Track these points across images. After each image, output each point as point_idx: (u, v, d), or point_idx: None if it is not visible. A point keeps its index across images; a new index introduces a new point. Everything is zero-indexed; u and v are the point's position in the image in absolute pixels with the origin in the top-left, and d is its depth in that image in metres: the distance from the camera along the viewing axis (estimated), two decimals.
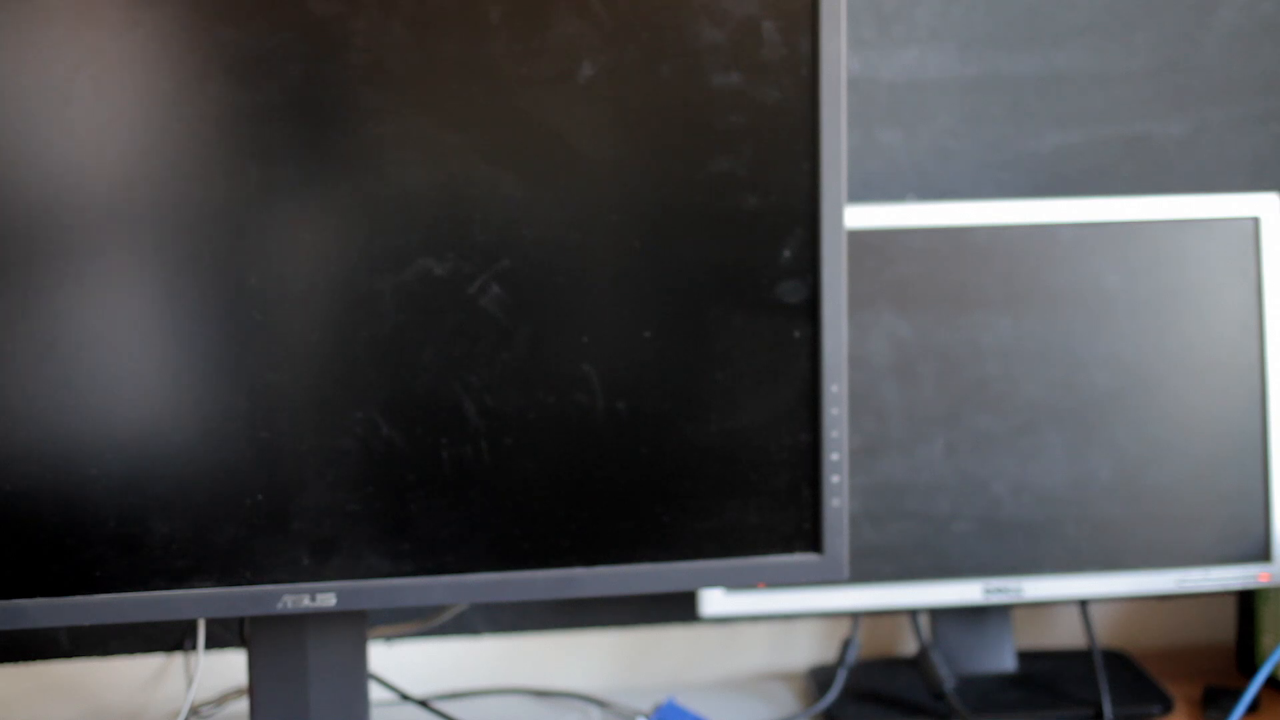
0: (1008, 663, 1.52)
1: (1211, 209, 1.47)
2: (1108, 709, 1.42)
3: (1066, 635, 1.62)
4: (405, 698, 1.47)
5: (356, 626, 1.28)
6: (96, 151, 1.15)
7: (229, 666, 1.49)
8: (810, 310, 1.25)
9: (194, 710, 1.46)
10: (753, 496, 1.26)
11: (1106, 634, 1.63)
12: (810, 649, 1.60)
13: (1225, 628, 1.63)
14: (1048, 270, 1.46)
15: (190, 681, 1.44)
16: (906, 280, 1.45)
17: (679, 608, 1.56)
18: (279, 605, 1.21)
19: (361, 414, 1.20)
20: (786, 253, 1.24)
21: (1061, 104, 1.58)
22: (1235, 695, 1.43)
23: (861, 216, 1.44)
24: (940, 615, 1.51)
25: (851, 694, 1.48)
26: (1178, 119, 1.60)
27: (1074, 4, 1.58)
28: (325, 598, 1.22)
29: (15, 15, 1.13)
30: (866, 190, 1.56)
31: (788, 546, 1.27)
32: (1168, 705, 1.45)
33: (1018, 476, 1.46)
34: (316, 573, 1.22)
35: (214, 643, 1.48)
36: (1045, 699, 1.46)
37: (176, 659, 1.50)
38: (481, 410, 1.22)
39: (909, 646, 1.61)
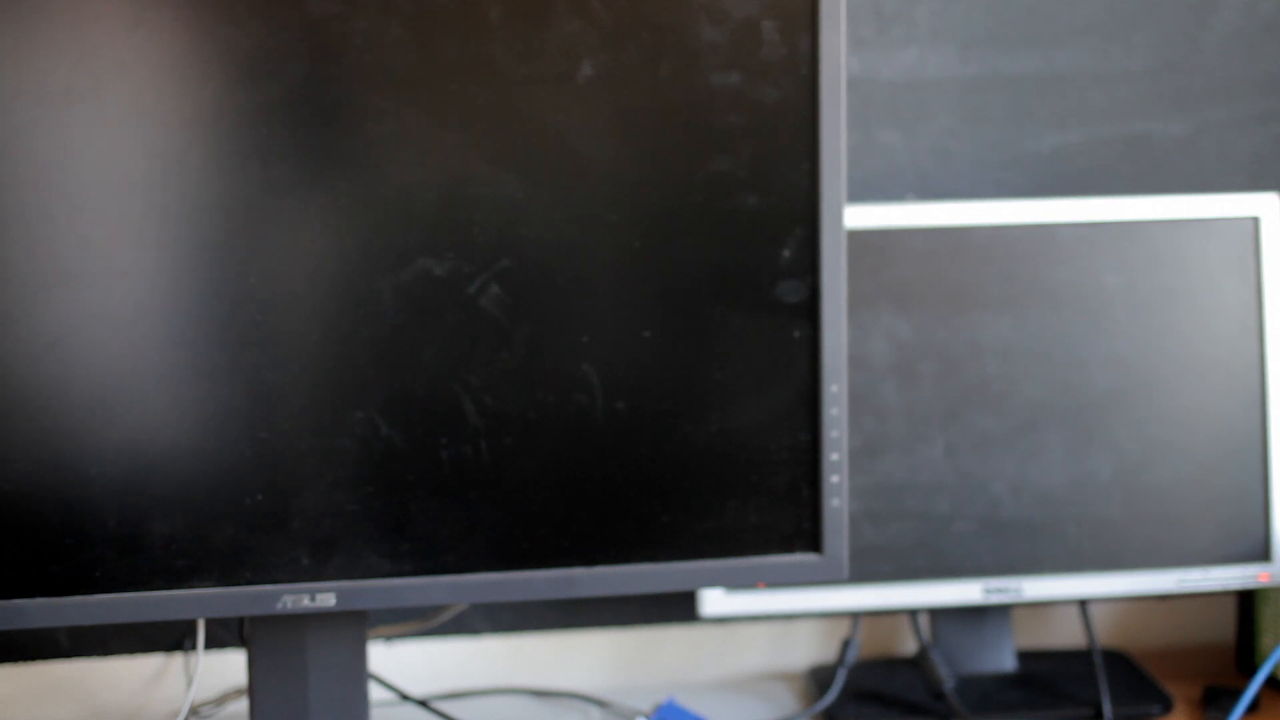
0: (1007, 663, 1.52)
1: (1211, 209, 1.47)
2: (1107, 709, 1.42)
3: (1066, 635, 1.62)
4: (405, 698, 1.47)
5: (356, 626, 1.28)
6: (96, 151, 1.15)
7: (229, 666, 1.49)
8: (810, 310, 1.25)
9: (194, 710, 1.46)
10: (752, 496, 1.26)
11: (1106, 634, 1.63)
12: (810, 649, 1.60)
13: (1225, 628, 1.63)
14: (1048, 270, 1.46)
15: (190, 681, 1.44)
16: (906, 280, 1.45)
17: (679, 608, 1.56)
18: (279, 605, 1.21)
19: (361, 414, 1.20)
20: (786, 253, 1.24)
21: (1061, 104, 1.58)
22: (1235, 695, 1.43)
23: (861, 216, 1.44)
24: (940, 615, 1.51)
25: (851, 694, 1.48)
26: (1178, 119, 1.60)
27: (1074, 4, 1.58)
28: (325, 598, 1.22)
29: (15, 15, 1.13)
30: (866, 190, 1.56)
31: (788, 546, 1.27)
32: (1167, 705, 1.45)
33: (1018, 476, 1.46)
34: (316, 573, 1.22)
35: (214, 643, 1.48)
36: (1045, 699, 1.46)
37: (176, 659, 1.50)
38: (481, 410, 1.22)
39: (909, 646, 1.61)
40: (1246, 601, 1.54)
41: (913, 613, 1.50)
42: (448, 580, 1.23)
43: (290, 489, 1.20)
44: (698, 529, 1.26)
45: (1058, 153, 1.59)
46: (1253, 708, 1.45)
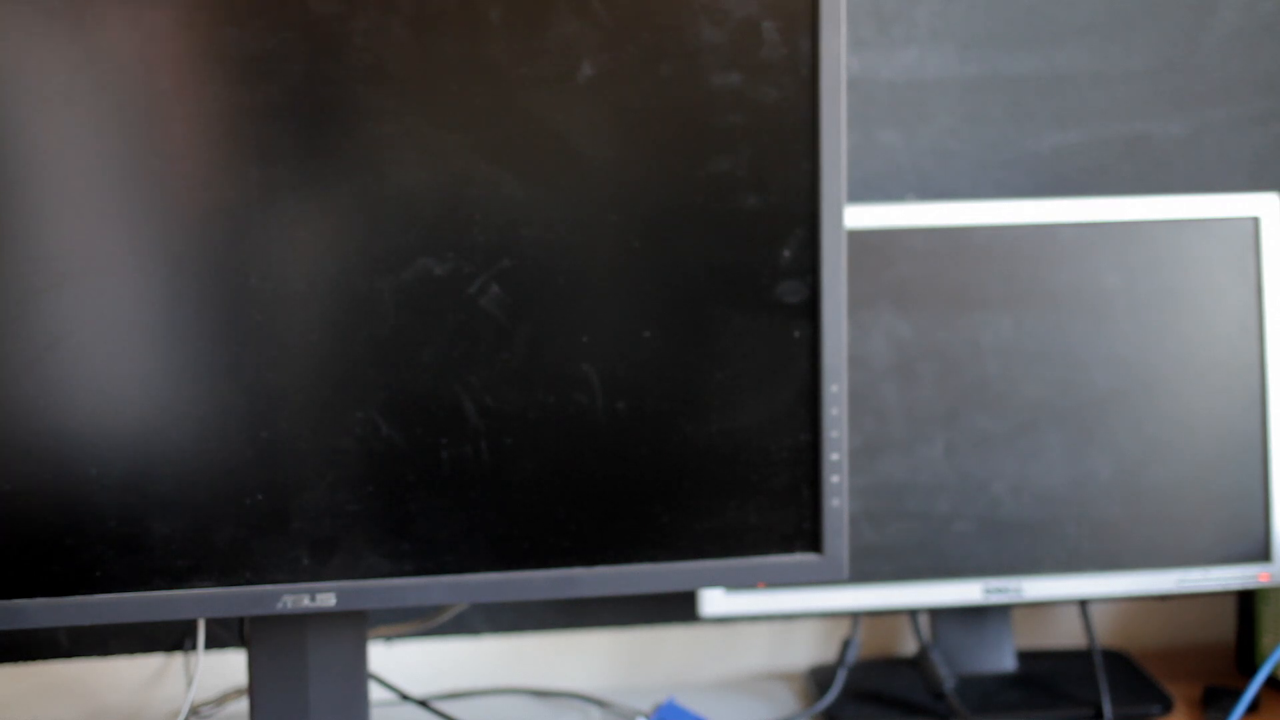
0: (1008, 663, 1.52)
1: (1211, 209, 1.47)
2: (1107, 709, 1.42)
3: (1066, 635, 1.62)
4: (405, 698, 1.47)
5: (356, 626, 1.28)
6: (96, 151, 1.15)
7: (229, 666, 1.49)
8: (810, 310, 1.25)
9: (194, 710, 1.46)
10: (753, 496, 1.26)
11: (1106, 634, 1.63)
12: (810, 649, 1.60)
13: (1225, 628, 1.63)
14: (1048, 270, 1.46)
15: (190, 681, 1.44)
16: (906, 280, 1.45)
17: (679, 608, 1.56)
18: (279, 605, 1.21)
19: (361, 414, 1.20)
20: (786, 253, 1.24)
21: (1061, 104, 1.58)
22: (1235, 695, 1.43)
23: (861, 216, 1.44)
24: (940, 615, 1.51)
25: (851, 694, 1.48)
26: (1178, 119, 1.60)
27: (1074, 4, 1.58)
28: (325, 598, 1.22)
29: (15, 15, 1.13)
30: (866, 190, 1.56)
31: (788, 546, 1.27)
32: (1168, 705, 1.45)
33: (1018, 476, 1.46)
34: (316, 573, 1.22)
35: (214, 643, 1.48)
36: (1045, 699, 1.46)
37: (176, 659, 1.50)
38: (481, 410, 1.22)
39: (909, 646, 1.61)
40: (1246, 601, 1.54)
41: (913, 613, 1.50)
42: (448, 580, 1.23)
43: (290, 489, 1.20)
44: (698, 529, 1.26)
45: (1058, 153, 1.59)
46: (1253, 708, 1.45)
